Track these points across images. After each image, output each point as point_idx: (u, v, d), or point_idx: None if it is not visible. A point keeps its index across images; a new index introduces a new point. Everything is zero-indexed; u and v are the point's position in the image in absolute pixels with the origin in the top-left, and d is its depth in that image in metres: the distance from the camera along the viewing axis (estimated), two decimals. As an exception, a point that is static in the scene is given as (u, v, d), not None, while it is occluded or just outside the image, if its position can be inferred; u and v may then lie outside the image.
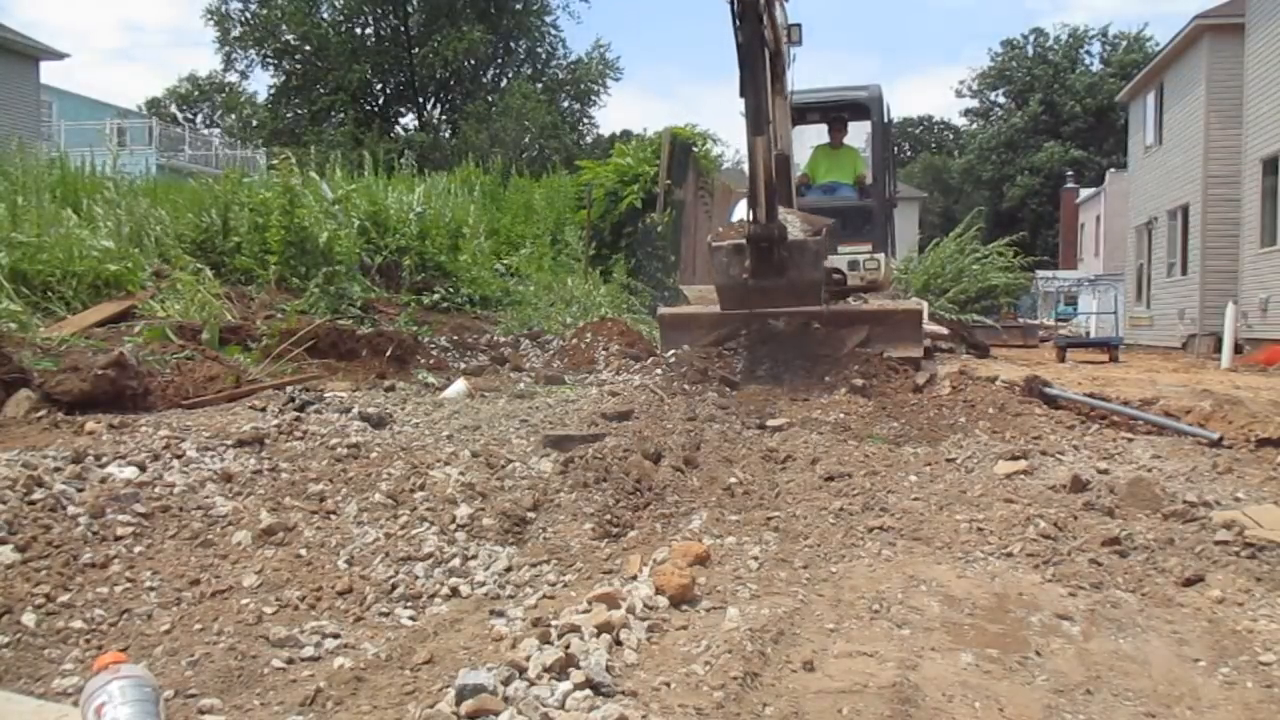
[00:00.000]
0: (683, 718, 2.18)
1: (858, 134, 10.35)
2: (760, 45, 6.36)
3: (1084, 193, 40.88)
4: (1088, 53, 53.05)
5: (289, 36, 41.40)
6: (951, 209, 42.32)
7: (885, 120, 9.79)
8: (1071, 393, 6.79)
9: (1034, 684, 2.46)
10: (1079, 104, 49.16)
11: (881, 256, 8.91)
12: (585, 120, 47.03)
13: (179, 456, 3.86)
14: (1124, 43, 51.54)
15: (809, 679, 2.42)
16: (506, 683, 2.19)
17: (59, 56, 26.15)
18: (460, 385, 6.86)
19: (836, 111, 10.07)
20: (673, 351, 8.06)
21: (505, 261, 13.92)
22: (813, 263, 6.60)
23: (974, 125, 58.66)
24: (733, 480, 4.53)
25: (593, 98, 46.27)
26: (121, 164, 13.38)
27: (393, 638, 2.70)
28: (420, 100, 43.93)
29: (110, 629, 2.63)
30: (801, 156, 10.32)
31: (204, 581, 2.93)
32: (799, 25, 7.81)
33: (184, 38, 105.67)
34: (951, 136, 62.66)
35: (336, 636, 2.68)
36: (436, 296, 11.25)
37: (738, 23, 6.11)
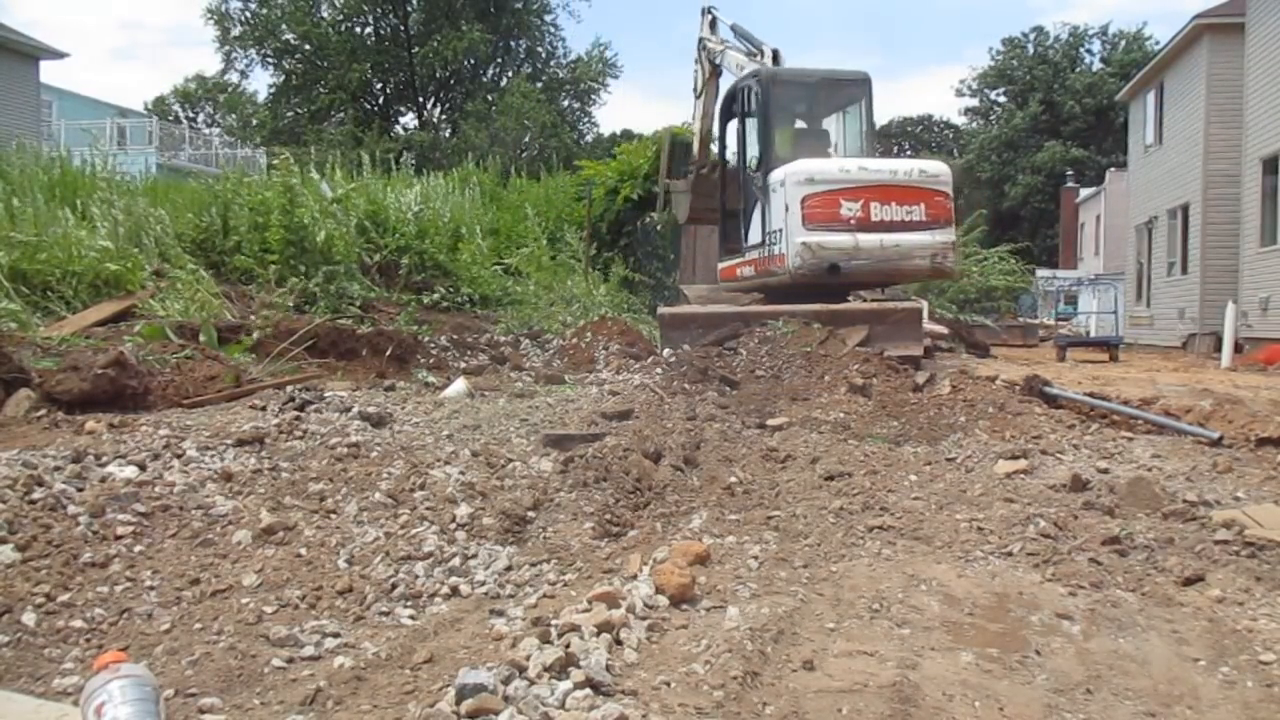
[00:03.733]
0: (683, 717, 2.18)
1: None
2: None
3: (1084, 192, 40.76)
4: (1088, 52, 52.99)
5: (289, 36, 41.37)
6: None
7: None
8: (1071, 392, 6.78)
9: (1034, 683, 2.46)
10: (1079, 103, 49.11)
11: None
12: (585, 119, 47.07)
13: (179, 456, 3.87)
14: (1124, 42, 51.50)
15: (809, 678, 2.42)
16: (506, 682, 2.19)
17: (59, 56, 26.09)
18: (460, 385, 6.86)
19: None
20: (672, 351, 8.06)
21: (505, 261, 13.91)
22: None
23: (974, 125, 58.57)
24: (733, 480, 4.53)
25: (593, 97, 46.29)
26: (121, 163, 13.36)
27: (393, 637, 2.70)
28: (420, 100, 43.92)
29: (110, 628, 2.63)
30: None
31: (204, 581, 2.93)
32: None
33: (184, 37, 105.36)
34: (952, 136, 62.52)
35: (337, 636, 2.68)
36: (436, 296, 11.23)
37: None
